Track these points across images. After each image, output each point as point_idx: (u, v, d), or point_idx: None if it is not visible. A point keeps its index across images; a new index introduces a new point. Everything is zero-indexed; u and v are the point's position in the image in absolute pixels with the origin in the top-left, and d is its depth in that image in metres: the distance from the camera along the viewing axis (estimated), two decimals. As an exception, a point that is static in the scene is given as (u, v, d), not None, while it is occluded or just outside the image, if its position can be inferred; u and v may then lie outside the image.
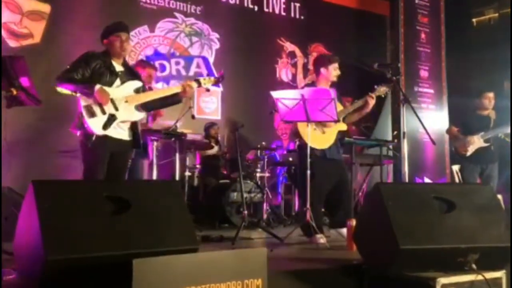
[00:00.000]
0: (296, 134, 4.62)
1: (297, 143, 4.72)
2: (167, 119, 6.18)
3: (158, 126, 5.64)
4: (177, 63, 7.58)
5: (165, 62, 7.47)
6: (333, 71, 4.77)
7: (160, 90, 4.30)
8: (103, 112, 3.81)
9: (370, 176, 6.75)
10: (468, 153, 5.89)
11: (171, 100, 4.24)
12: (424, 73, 9.18)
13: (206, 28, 7.85)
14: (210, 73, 7.70)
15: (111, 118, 3.83)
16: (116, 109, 3.86)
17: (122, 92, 3.93)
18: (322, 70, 4.79)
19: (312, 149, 4.48)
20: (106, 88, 3.84)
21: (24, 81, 3.08)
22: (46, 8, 6.42)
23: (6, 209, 3.94)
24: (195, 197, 6.51)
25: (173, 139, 5.67)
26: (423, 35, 9.27)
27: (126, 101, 3.92)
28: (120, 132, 3.93)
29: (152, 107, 4.29)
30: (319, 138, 4.66)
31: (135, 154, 5.12)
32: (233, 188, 6.20)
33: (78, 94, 3.79)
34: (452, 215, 2.96)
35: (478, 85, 7.01)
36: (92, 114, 3.78)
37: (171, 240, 2.55)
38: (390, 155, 6.84)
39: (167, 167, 6.15)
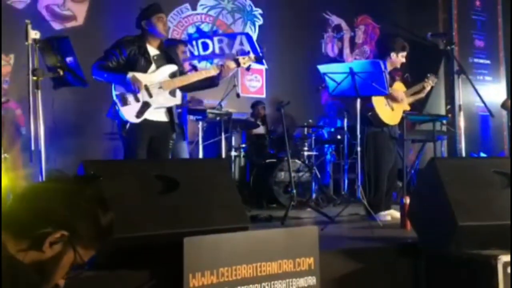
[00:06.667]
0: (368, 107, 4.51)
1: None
2: (211, 98, 6.14)
3: (202, 105, 5.62)
4: (220, 41, 7.52)
5: (208, 41, 7.42)
6: (400, 58, 4.71)
7: (196, 73, 4.20)
8: (137, 100, 3.77)
9: (423, 153, 6.55)
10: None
11: (210, 82, 4.13)
12: (479, 43, 8.81)
13: (248, 3, 7.75)
14: (253, 50, 7.61)
15: (145, 106, 3.78)
16: (150, 96, 3.80)
17: (157, 77, 3.87)
18: (392, 55, 4.68)
19: (380, 124, 4.53)
20: (141, 75, 3.78)
21: (70, 62, 3.10)
22: (89, -11, 6.48)
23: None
24: (241, 177, 6.48)
25: (218, 118, 5.63)
26: (478, 3, 8.87)
27: (161, 87, 3.85)
28: (157, 114, 3.88)
29: (190, 89, 4.22)
30: (389, 114, 4.62)
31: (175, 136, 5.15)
32: (280, 168, 6.14)
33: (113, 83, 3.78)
34: (515, 190, 2.82)
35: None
36: (125, 102, 3.75)
37: (221, 218, 2.52)
38: (444, 131, 6.61)
39: (213, 147, 6.14)
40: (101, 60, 3.79)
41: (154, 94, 3.82)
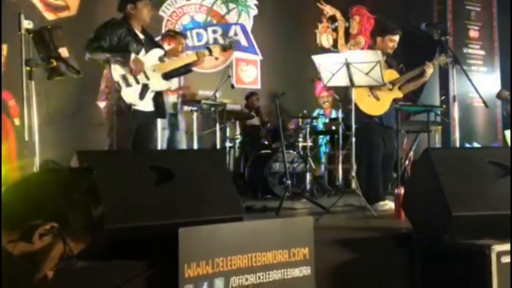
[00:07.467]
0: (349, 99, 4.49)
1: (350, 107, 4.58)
2: (206, 89, 6.12)
3: (197, 96, 5.62)
4: (215, 32, 7.48)
5: (202, 31, 7.38)
6: (389, 43, 4.62)
7: (181, 58, 4.43)
8: (137, 82, 3.81)
9: (417, 143, 6.56)
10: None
11: (184, 70, 4.29)
12: (474, 34, 8.80)
13: (243, -7, 7.71)
14: (248, 41, 7.59)
15: (145, 88, 3.82)
16: (147, 78, 3.86)
17: (149, 60, 3.91)
18: (378, 39, 4.64)
19: (369, 115, 4.49)
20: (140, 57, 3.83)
21: (63, 52, 3.09)
22: (81, -21, 6.43)
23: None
24: (236, 168, 6.49)
25: (212, 109, 5.63)
26: (472, -7, 8.84)
27: (154, 70, 3.91)
28: (145, 103, 3.91)
29: (169, 76, 4.29)
30: (373, 104, 4.57)
31: (170, 126, 5.17)
32: (275, 159, 6.14)
33: (112, 63, 3.76)
34: (508, 180, 2.82)
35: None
36: (128, 84, 3.78)
37: (216, 209, 2.52)
38: (438, 121, 6.62)
39: (208, 138, 6.13)
40: (94, 40, 3.79)
41: (150, 76, 3.87)
